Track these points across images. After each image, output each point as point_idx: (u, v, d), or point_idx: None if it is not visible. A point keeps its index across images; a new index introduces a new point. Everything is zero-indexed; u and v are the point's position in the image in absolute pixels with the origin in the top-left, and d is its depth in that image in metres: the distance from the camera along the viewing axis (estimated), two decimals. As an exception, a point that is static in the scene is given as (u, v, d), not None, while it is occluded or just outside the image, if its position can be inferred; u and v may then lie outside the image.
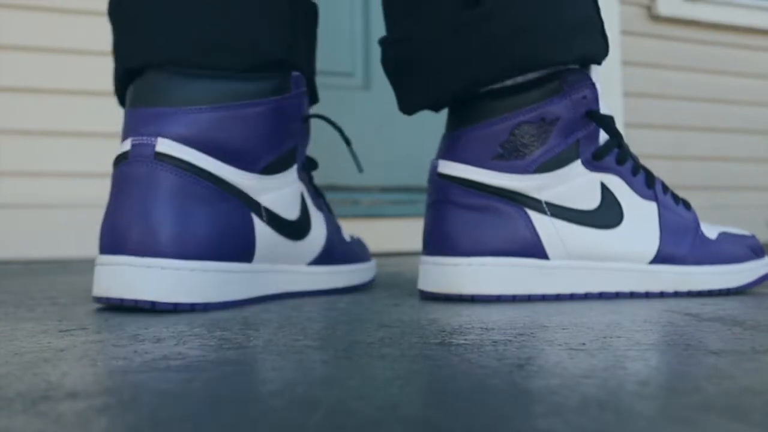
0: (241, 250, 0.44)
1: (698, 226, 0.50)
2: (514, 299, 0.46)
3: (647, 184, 0.49)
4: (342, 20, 1.43)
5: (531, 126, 0.45)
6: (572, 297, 0.47)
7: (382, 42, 0.52)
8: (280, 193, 0.47)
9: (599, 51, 0.47)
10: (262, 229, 0.45)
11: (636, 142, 1.55)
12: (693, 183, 1.60)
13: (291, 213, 0.48)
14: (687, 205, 0.51)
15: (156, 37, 0.43)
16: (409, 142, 1.45)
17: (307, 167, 0.52)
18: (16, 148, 1.11)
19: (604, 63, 1.56)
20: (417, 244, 1.30)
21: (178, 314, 0.40)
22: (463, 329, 0.34)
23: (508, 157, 0.46)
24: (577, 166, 0.46)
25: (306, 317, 0.39)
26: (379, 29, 1.46)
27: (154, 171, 0.40)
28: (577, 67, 0.47)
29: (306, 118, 0.50)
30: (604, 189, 0.47)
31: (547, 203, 0.46)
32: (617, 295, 0.47)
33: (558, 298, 0.46)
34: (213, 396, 0.21)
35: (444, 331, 0.33)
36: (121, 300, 0.40)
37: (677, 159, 1.59)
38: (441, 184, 0.47)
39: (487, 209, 0.46)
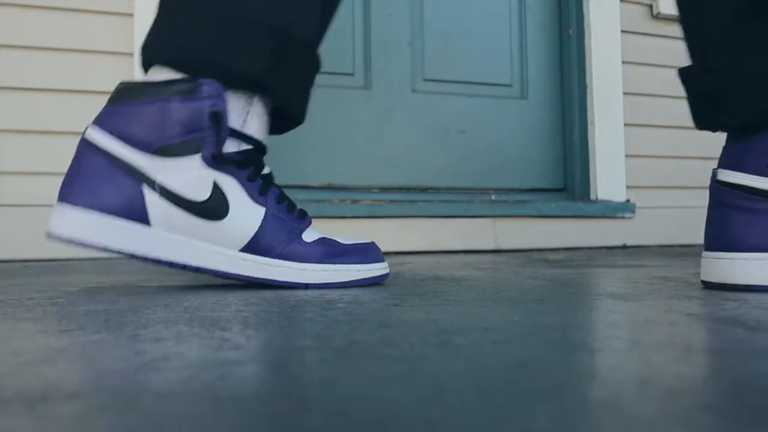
0: (129, 210, 0.55)
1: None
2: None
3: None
4: (342, 20, 1.43)
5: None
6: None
7: (688, 73, 0.58)
8: (179, 175, 0.56)
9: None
10: (153, 199, 0.55)
11: (636, 142, 1.55)
12: (693, 183, 1.60)
13: (194, 194, 0.56)
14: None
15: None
16: (409, 142, 1.45)
17: (241, 164, 0.58)
18: (16, 148, 1.11)
19: (604, 62, 1.56)
20: (417, 243, 1.30)
21: (177, 314, 0.40)
22: (463, 329, 0.34)
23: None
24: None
25: (306, 317, 0.39)
26: (379, 29, 1.46)
27: (80, 146, 0.56)
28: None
29: (215, 115, 0.56)
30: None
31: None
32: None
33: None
34: (213, 396, 0.21)
35: (444, 331, 0.33)
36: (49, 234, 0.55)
37: (677, 159, 1.59)
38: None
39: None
